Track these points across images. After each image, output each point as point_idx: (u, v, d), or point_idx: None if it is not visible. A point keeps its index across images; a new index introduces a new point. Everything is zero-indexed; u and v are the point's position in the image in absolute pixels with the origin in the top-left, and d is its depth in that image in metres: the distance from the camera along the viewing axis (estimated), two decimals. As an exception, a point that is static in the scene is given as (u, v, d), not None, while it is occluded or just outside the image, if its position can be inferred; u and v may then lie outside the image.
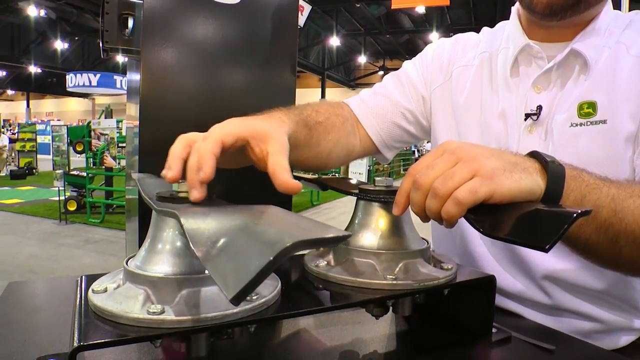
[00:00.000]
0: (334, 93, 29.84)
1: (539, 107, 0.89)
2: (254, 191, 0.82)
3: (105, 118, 8.47)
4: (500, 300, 0.95)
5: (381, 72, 30.85)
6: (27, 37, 20.70)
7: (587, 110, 0.84)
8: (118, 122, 7.07)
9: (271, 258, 0.26)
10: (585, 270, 0.87)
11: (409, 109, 1.08)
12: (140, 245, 0.90)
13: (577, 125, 0.84)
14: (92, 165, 7.24)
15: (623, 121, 0.81)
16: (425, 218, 0.62)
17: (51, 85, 28.70)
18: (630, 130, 0.81)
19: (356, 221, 0.75)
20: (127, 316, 0.47)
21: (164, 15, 0.91)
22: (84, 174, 6.91)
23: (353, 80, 30.62)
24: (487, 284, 0.74)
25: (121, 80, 16.99)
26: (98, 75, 17.49)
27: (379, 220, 0.72)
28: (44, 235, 5.93)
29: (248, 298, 0.51)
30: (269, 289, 0.54)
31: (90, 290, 0.53)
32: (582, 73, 0.86)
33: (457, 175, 0.57)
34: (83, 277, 0.62)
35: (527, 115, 0.90)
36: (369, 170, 13.10)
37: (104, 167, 6.88)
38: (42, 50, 21.40)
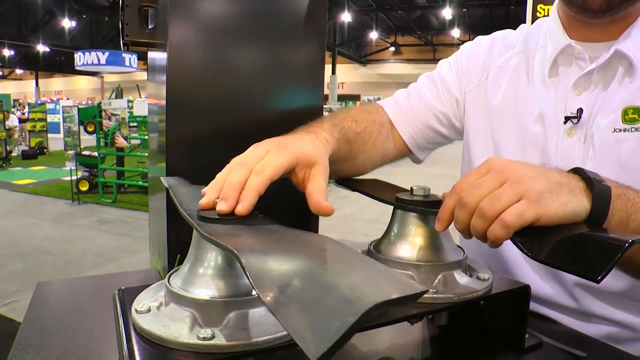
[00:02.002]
0: (345, 69, 29.64)
1: (580, 110, 0.86)
2: (284, 204, 0.81)
3: (116, 98, 8.46)
4: (531, 304, 0.94)
5: (392, 48, 30.56)
6: (34, 15, 20.60)
7: (633, 115, 0.81)
8: (129, 102, 7.06)
9: (353, 321, 0.26)
10: (616, 277, 0.85)
11: (442, 111, 1.07)
12: (169, 246, 0.91)
13: (620, 130, 0.81)
14: (103, 145, 7.26)
15: None
16: (468, 236, 0.61)
17: (60, 64, 28.66)
18: None
19: (393, 231, 0.74)
20: (177, 341, 0.46)
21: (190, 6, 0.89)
22: (96, 154, 6.93)
23: (364, 56, 30.38)
24: (522, 293, 0.74)
25: (130, 59, 16.90)
26: (107, 54, 17.40)
27: (418, 231, 0.71)
28: (57, 216, 5.98)
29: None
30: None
31: (133, 310, 0.52)
32: (627, 75, 0.83)
33: (504, 197, 0.56)
34: (119, 291, 0.61)
35: (567, 118, 0.87)
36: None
37: (115, 147, 6.90)
38: (50, 29, 21.32)
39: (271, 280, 0.34)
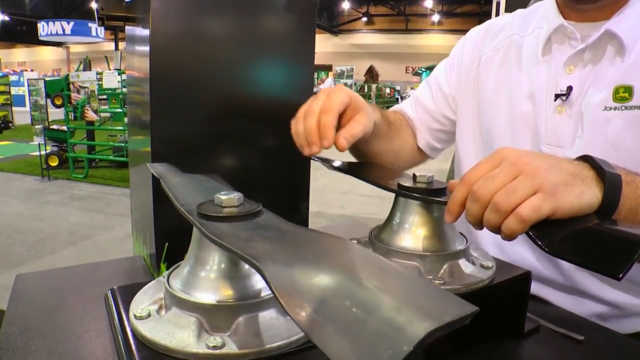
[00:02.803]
0: (317, 39, 29.26)
1: (569, 88, 0.88)
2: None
3: (84, 70, 8.19)
4: None
5: (364, 19, 30.29)
6: (-9, -18, 19.70)
7: (623, 94, 0.82)
8: (98, 74, 6.83)
9: (408, 351, 0.23)
10: None
11: (440, 112, 1.13)
12: (156, 234, 0.87)
13: (611, 109, 0.82)
14: (72, 119, 7.05)
15: None
16: (479, 227, 0.59)
17: (21, 33, 27.53)
18: None
19: (395, 219, 0.71)
20: (185, 351, 0.43)
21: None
22: (65, 128, 6.72)
23: (336, 26, 30.07)
24: (524, 279, 0.73)
25: (96, 29, 16.36)
26: (72, 23, 16.80)
27: (422, 219, 0.69)
28: (27, 192, 5.82)
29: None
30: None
31: (132, 316, 0.49)
32: (617, 55, 0.84)
33: (519, 190, 0.54)
34: (112, 291, 0.57)
35: (557, 96, 0.89)
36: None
37: (85, 120, 6.69)
38: (8, -4, 20.43)
39: (301, 296, 0.31)
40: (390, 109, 1.17)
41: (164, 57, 0.83)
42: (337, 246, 0.39)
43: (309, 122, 0.74)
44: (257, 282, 0.49)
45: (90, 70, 7.74)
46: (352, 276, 0.33)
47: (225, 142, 0.91)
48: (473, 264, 0.70)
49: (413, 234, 0.69)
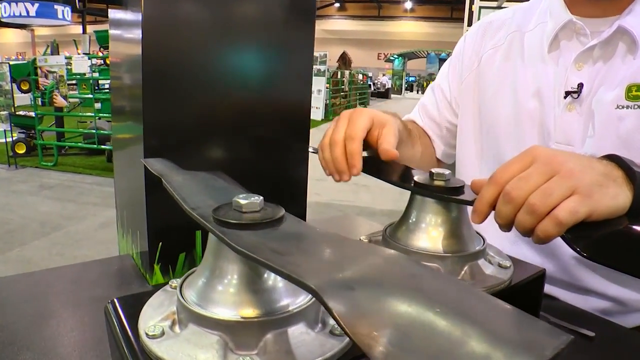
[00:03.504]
0: (289, 26, 28.91)
1: (580, 85, 0.86)
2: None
3: (52, 54, 7.92)
4: None
5: (337, 5, 30.11)
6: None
7: (637, 93, 0.80)
8: (66, 58, 6.60)
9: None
10: None
11: (448, 120, 1.13)
12: (149, 231, 0.82)
13: (623, 107, 0.81)
14: (40, 104, 6.82)
15: None
16: (508, 229, 0.57)
17: (-18, 14, 26.53)
18: None
19: (412, 218, 0.67)
20: (212, 376, 0.39)
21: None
22: (32, 114, 6.50)
23: (308, 12, 29.73)
24: (539, 278, 0.71)
25: (63, 10, 15.82)
26: (36, 5, 16.20)
27: (440, 219, 0.65)
28: (-7, 181, 5.63)
29: (338, 332, 0.44)
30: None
31: (142, 334, 0.44)
32: (629, 52, 0.82)
33: (556, 192, 0.52)
34: (112, 304, 0.52)
35: (567, 93, 0.87)
36: (326, 104, 13.05)
37: (53, 106, 6.48)
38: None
39: (370, 324, 0.27)
40: (403, 118, 1.14)
41: (157, 44, 0.77)
42: (390, 259, 0.35)
43: (336, 152, 0.74)
44: (283, 294, 0.44)
45: (59, 54, 7.48)
46: (422, 298, 0.29)
47: (221, 133, 0.86)
48: (491, 263, 0.67)
49: (431, 234, 0.65)
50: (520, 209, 0.53)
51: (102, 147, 6.35)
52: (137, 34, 0.77)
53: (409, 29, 37.11)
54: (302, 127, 0.97)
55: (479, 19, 6.17)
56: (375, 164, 0.76)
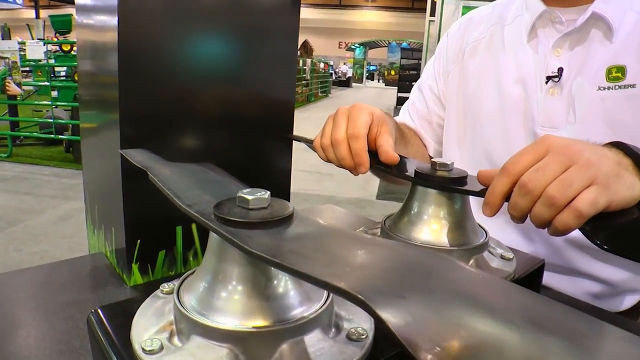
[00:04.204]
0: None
1: (560, 70, 0.89)
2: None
3: (3, 39, 7.57)
4: None
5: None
6: None
7: (616, 74, 0.84)
8: (20, 43, 6.30)
9: None
10: None
11: (438, 114, 1.13)
12: (126, 227, 0.76)
13: (605, 89, 0.84)
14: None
15: None
16: (522, 221, 0.54)
17: None
18: None
19: (413, 209, 0.64)
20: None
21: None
22: (-18, 103, 6.20)
23: None
24: (540, 268, 0.70)
25: (13, -5, 15.15)
26: (-16, -11, 15.49)
27: (444, 211, 0.62)
28: (-58, 174, 5.35)
29: (355, 337, 0.40)
30: (363, 318, 0.43)
31: (137, 349, 0.39)
32: (606, 37, 0.86)
33: (575, 183, 0.50)
34: (95, 314, 0.47)
35: (549, 78, 0.90)
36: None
37: (6, 95, 6.18)
38: None
39: (432, 338, 0.23)
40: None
41: (134, 29, 0.71)
42: (430, 259, 0.31)
43: (341, 151, 0.72)
44: (296, 299, 0.40)
45: (10, 39, 7.14)
46: (483, 305, 0.25)
47: (201, 122, 0.81)
48: (494, 256, 0.65)
49: (435, 226, 0.62)
50: (537, 201, 0.51)
51: (60, 137, 6.10)
52: (111, 19, 0.71)
53: (371, 18, 37.18)
54: (286, 115, 0.92)
55: (442, 9, 6.22)
56: (374, 156, 0.73)
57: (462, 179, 0.62)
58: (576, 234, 0.88)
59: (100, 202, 0.90)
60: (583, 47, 0.88)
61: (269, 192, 0.42)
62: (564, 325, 0.26)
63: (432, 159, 0.64)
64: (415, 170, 0.64)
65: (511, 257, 0.65)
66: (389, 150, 0.71)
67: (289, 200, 0.93)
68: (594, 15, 0.85)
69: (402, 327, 0.23)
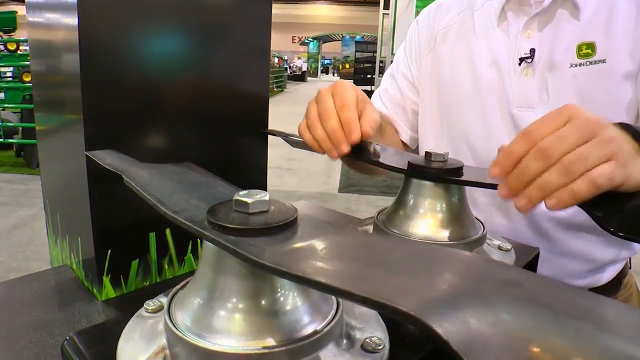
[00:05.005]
0: None
1: (532, 50, 0.90)
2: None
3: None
4: None
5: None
6: None
7: (587, 50, 0.86)
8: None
9: None
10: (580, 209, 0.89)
11: (412, 100, 1.11)
12: (95, 236, 0.70)
13: (576, 65, 0.86)
14: None
15: (621, 59, 0.84)
16: (518, 192, 0.51)
17: None
18: (629, 69, 0.84)
19: (408, 203, 0.60)
20: None
21: None
22: None
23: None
24: (536, 256, 0.69)
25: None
26: None
27: (441, 204, 0.59)
28: None
29: (371, 348, 0.36)
30: (374, 326, 0.40)
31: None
32: (573, 16, 0.88)
33: (593, 156, 0.48)
34: (70, 341, 0.41)
35: (521, 60, 0.91)
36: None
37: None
38: None
39: (495, 351, 0.19)
40: None
41: (95, 25, 0.65)
42: (472, 263, 0.27)
43: (330, 123, 0.67)
44: (305, 312, 0.36)
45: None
46: (545, 313, 0.21)
47: (172, 120, 0.75)
48: (493, 247, 0.62)
49: (432, 220, 0.59)
50: (551, 167, 0.49)
51: (10, 140, 5.84)
52: (70, 15, 0.65)
53: (324, 12, 37.18)
54: (260, 109, 0.87)
55: (396, 2, 6.25)
56: (364, 149, 0.69)
57: (458, 170, 0.59)
58: (564, 214, 0.89)
59: (63, 209, 0.83)
60: (552, 26, 0.90)
61: (268, 194, 0.37)
62: (630, 326, 0.22)
63: (427, 151, 0.60)
64: (408, 162, 0.60)
65: (509, 247, 0.63)
66: (369, 123, 0.66)
67: (266, 189, 0.90)
68: None
69: (466, 346, 0.19)
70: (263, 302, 0.35)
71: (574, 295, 0.25)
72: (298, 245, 0.32)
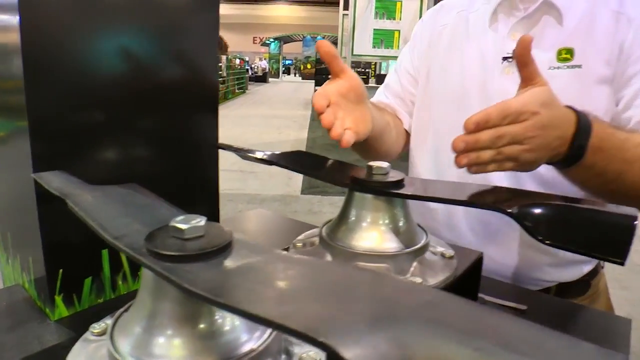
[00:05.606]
0: None
1: (514, 51, 0.94)
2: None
3: None
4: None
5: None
6: None
7: (566, 55, 0.93)
8: None
9: None
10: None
11: (412, 92, 1.18)
12: (46, 254, 0.69)
13: (555, 68, 0.94)
14: None
15: (597, 66, 0.91)
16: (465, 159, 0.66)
17: None
18: (604, 74, 0.91)
19: (351, 216, 0.63)
20: None
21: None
22: None
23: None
24: (479, 260, 0.71)
25: None
26: None
27: (383, 216, 0.61)
28: None
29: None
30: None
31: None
32: (557, 22, 0.95)
33: (509, 137, 0.66)
34: None
35: (504, 58, 0.99)
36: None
37: None
38: None
39: None
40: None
41: (38, 27, 0.64)
42: (399, 287, 0.29)
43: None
44: (242, 331, 0.38)
45: None
46: (456, 335, 0.24)
47: (119, 130, 0.74)
48: (435, 255, 0.65)
49: (375, 232, 0.61)
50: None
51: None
52: (10, 17, 0.64)
53: (284, 12, 37.12)
54: (210, 117, 0.87)
55: (355, 2, 6.29)
56: (310, 162, 0.71)
57: (399, 182, 0.61)
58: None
59: (12, 227, 0.82)
60: (536, 30, 0.97)
61: (205, 218, 0.39)
62: (530, 345, 0.25)
63: (368, 163, 0.63)
64: (351, 176, 0.62)
65: (452, 254, 0.66)
66: (345, 135, 0.73)
67: (217, 210, 0.91)
68: (545, 3, 0.95)
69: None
70: (201, 325, 0.36)
71: (484, 315, 0.27)
72: (228, 270, 0.34)
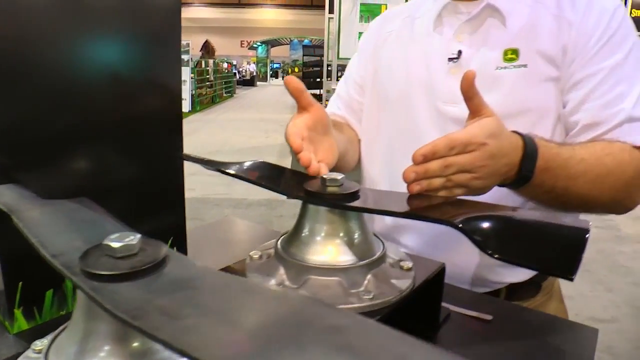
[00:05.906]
0: None
1: (459, 52, 1.01)
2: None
3: None
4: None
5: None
6: None
7: (511, 55, 0.96)
8: None
9: None
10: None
11: (358, 100, 1.20)
12: (4, 269, 0.69)
13: (502, 68, 0.97)
14: None
15: (542, 65, 0.94)
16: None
17: None
18: (550, 74, 0.95)
19: (305, 230, 0.63)
20: None
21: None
22: None
23: (166, 1, 28.60)
24: (441, 272, 0.71)
25: None
26: None
27: (337, 228, 0.62)
28: None
29: None
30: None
31: None
32: (502, 23, 0.98)
33: (459, 165, 0.69)
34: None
35: (450, 59, 1.01)
36: (192, 95, 12.77)
37: None
38: None
39: None
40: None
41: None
42: (306, 310, 0.30)
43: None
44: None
45: None
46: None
47: (81, 140, 0.73)
48: (393, 267, 0.65)
49: (330, 245, 0.61)
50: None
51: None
52: None
53: (271, 16, 37.15)
54: (174, 126, 0.87)
55: (340, 6, 6.31)
56: (268, 173, 0.71)
57: (354, 194, 0.62)
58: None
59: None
60: (481, 32, 1.00)
61: (139, 236, 0.39)
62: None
63: (322, 175, 0.63)
64: (305, 188, 0.62)
65: (410, 266, 0.65)
66: (316, 166, 0.75)
67: (184, 221, 0.90)
68: (488, 6, 0.98)
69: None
70: (133, 344, 0.36)
71: (391, 340, 0.28)
72: (156, 290, 0.34)
